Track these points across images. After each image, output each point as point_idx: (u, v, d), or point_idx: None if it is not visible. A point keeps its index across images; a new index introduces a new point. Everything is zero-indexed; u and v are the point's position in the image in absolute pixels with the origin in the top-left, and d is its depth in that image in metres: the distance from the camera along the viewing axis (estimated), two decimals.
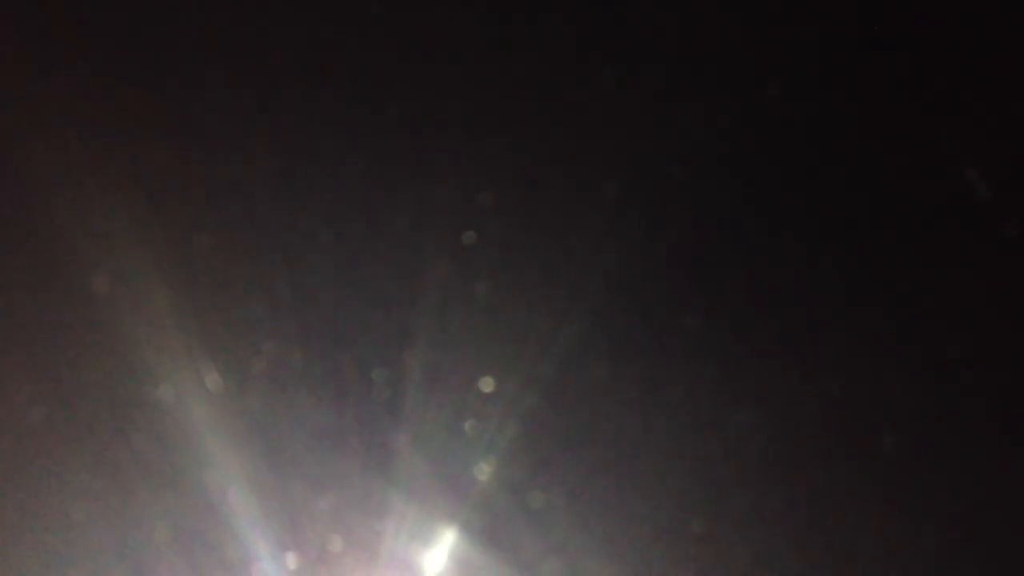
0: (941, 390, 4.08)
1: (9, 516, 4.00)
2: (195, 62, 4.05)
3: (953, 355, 4.08)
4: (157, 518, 4.00)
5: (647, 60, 4.11)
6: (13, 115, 4.03)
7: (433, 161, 4.07)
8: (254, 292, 4.09)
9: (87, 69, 4.08)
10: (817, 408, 4.08)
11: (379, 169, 4.11)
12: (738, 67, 4.08)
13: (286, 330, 4.07)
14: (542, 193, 4.11)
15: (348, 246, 4.13)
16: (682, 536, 4.07)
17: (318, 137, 4.13)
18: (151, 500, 4.01)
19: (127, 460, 4.02)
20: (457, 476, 4.09)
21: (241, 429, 4.06)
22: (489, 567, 4.08)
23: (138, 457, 4.02)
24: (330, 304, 4.12)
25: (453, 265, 4.07)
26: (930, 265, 4.09)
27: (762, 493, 4.08)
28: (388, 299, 4.12)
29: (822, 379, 4.08)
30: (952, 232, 4.07)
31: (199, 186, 4.12)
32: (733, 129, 4.09)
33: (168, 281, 4.05)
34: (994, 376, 4.06)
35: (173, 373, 4.03)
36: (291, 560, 4.05)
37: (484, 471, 4.08)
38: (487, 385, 4.07)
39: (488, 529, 4.08)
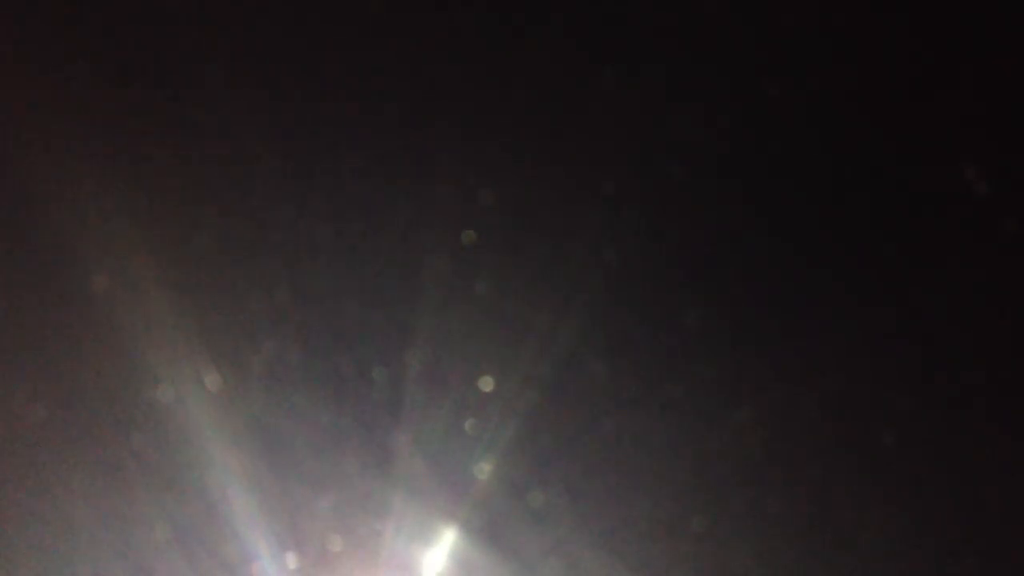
0: (941, 390, 4.08)
1: (9, 516, 4.00)
2: (195, 62, 4.05)
3: (953, 354, 4.07)
4: (157, 518, 4.01)
5: (647, 60, 4.11)
6: (13, 115, 4.03)
7: (433, 161, 4.07)
8: (254, 292, 4.09)
9: (87, 69, 4.08)
10: (817, 408, 4.08)
11: (379, 168, 4.11)
12: (738, 67, 4.08)
13: (286, 330, 4.07)
14: (542, 192, 4.11)
15: (348, 245, 4.13)
16: (682, 536, 4.07)
17: (318, 136, 4.13)
18: (151, 500, 4.01)
19: (127, 460, 4.02)
20: (457, 476, 4.09)
21: (241, 429, 4.06)
22: (489, 567, 4.08)
23: (138, 457, 4.03)
24: (330, 304, 4.12)
25: (453, 264, 4.07)
26: (930, 264, 4.09)
27: (762, 493, 4.08)
28: (388, 299, 4.12)
29: (822, 379, 4.08)
30: (952, 231, 4.07)
31: (199, 186, 4.12)
32: (733, 129, 4.09)
33: (168, 281, 4.05)
34: (994, 376, 4.06)
35: (173, 373, 4.03)
36: (291, 560, 4.05)
37: (484, 471, 4.08)
38: (487, 384, 4.07)
39: (488, 529, 4.08)
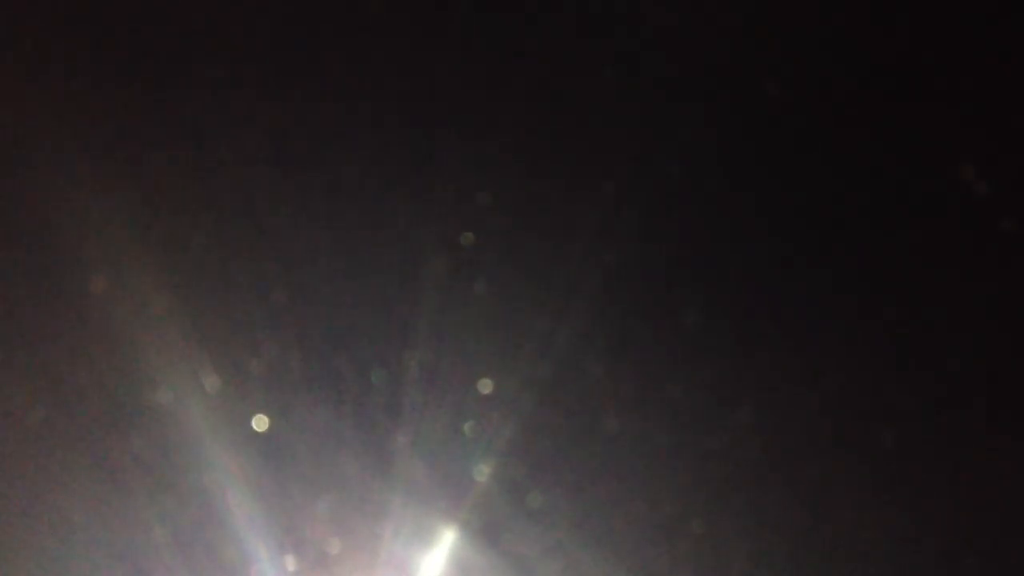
0: (941, 390, 4.08)
1: (9, 516, 3.99)
2: (195, 62, 4.06)
3: (953, 354, 4.07)
4: (156, 519, 4.00)
5: (647, 60, 4.12)
6: (13, 115, 4.04)
7: (432, 161, 4.07)
8: (253, 294, 4.09)
9: (87, 69, 4.08)
10: (817, 408, 4.08)
11: (378, 169, 4.12)
12: (738, 67, 4.09)
13: (285, 331, 4.07)
14: (541, 192, 4.12)
15: (348, 246, 4.13)
16: (682, 536, 4.06)
17: (317, 137, 4.13)
18: (150, 501, 4.01)
19: (126, 461, 4.02)
20: (456, 477, 4.08)
21: (240, 431, 4.05)
22: (488, 568, 4.07)
23: (137, 458, 4.02)
24: (330, 304, 4.12)
25: (452, 265, 4.07)
26: (930, 264, 4.09)
27: (762, 493, 4.07)
28: (387, 300, 4.12)
29: (822, 379, 4.08)
30: (952, 231, 4.07)
31: (198, 187, 4.12)
32: (733, 129, 4.10)
33: (167, 282, 4.05)
34: (994, 376, 4.06)
35: (172, 374, 4.03)
36: (290, 562, 4.05)
37: (483, 472, 4.07)
38: (486, 386, 4.07)
39: (487, 530, 4.07)
